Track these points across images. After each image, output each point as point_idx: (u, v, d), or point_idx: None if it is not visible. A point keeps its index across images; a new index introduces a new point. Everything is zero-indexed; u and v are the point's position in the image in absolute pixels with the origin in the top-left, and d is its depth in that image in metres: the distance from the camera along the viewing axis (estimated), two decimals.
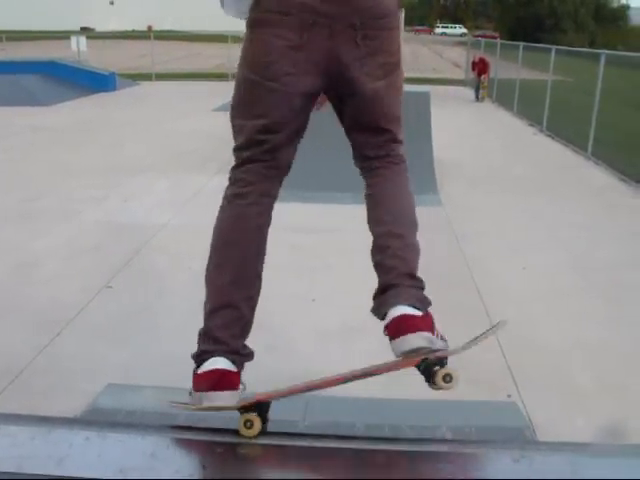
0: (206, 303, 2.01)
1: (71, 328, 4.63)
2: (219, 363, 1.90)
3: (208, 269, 2.02)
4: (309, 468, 1.61)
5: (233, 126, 2.07)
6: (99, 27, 60.74)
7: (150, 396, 3.65)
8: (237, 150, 2.07)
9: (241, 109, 2.03)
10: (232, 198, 2.06)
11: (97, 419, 3.16)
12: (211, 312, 1.99)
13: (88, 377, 3.95)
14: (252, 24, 1.92)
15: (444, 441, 3.00)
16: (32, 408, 3.31)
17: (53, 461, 1.55)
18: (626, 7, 67.08)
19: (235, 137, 2.07)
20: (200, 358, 1.97)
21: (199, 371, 1.94)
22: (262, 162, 2.02)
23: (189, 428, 1.85)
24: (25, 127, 13.18)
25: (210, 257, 2.03)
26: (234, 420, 2.80)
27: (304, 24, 1.81)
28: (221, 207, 2.11)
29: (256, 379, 4.01)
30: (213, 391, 1.84)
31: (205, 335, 1.99)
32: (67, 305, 4.96)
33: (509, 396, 3.90)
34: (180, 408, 1.98)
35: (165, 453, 1.62)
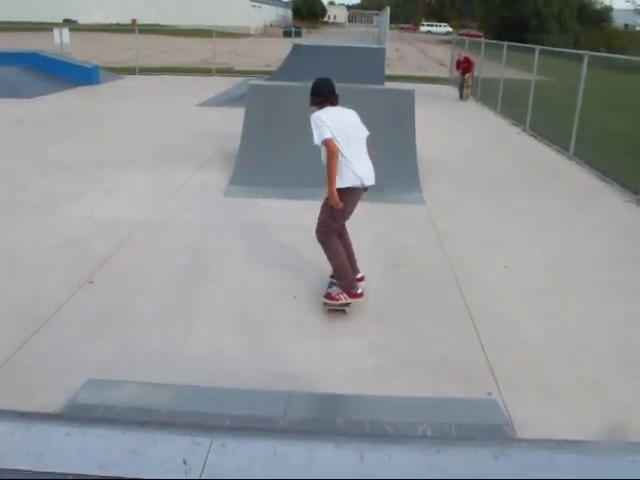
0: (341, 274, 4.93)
1: (51, 323, 4.60)
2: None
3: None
4: (290, 464, 1.61)
5: None
6: (82, 20, 60.12)
7: (130, 391, 3.64)
8: None
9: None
10: None
11: (77, 414, 3.14)
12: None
13: (68, 372, 3.93)
14: None
15: (424, 438, 3.02)
16: (11, 404, 3.30)
17: (33, 456, 1.54)
18: (609, 9, 67.60)
19: None
20: (354, 286, 4.95)
21: (358, 292, 4.97)
22: None
23: (170, 424, 1.85)
24: (6, 119, 13.04)
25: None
26: (214, 416, 2.79)
27: None
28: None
29: (240, 372, 4.02)
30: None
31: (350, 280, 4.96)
32: (47, 300, 4.93)
33: (489, 394, 3.93)
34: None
35: (146, 449, 1.61)
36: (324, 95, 4.78)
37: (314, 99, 4.81)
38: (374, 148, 4.91)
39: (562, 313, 5.13)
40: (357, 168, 4.64)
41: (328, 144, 4.54)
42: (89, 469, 1.52)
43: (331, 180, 4.58)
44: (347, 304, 4.92)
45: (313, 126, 4.61)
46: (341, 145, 4.58)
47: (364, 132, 4.87)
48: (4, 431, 1.63)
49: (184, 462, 1.55)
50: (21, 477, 1.50)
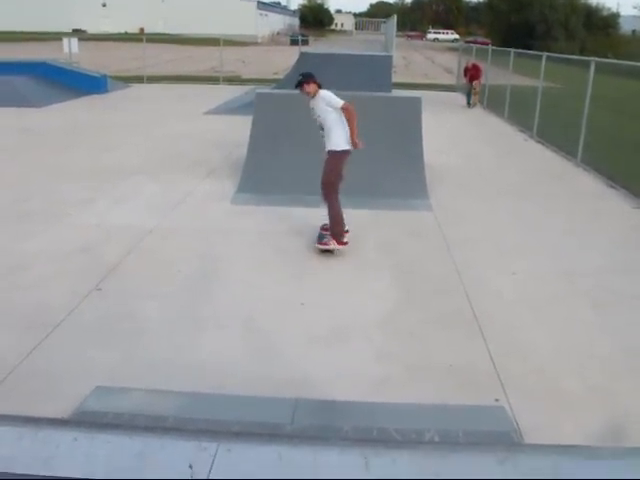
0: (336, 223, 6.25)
1: (59, 331, 4.62)
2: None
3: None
4: (295, 469, 1.62)
5: None
6: (91, 29, 60.57)
7: (138, 398, 3.65)
8: None
9: None
10: None
11: (85, 420, 3.16)
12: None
13: (76, 380, 3.95)
14: None
15: (431, 443, 3.02)
16: (19, 412, 3.31)
17: (40, 461, 1.55)
18: (617, 15, 67.47)
19: None
20: (342, 236, 6.29)
21: (344, 240, 6.31)
22: None
23: (176, 429, 1.86)
24: (15, 128, 13.14)
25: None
26: (221, 422, 2.80)
27: None
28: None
29: (247, 379, 4.03)
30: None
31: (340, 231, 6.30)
32: (56, 308, 4.95)
33: (497, 400, 3.92)
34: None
35: (152, 453, 1.63)
36: (318, 81, 6.29)
37: (313, 85, 6.21)
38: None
39: (570, 320, 5.12)
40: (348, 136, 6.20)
41: (348, 108, 6.03)
42: (96, 473, 1.53)
43: (354, 130, 6.09)
44: (335, 249, 6.36)
45: (330, 97, 6.10)
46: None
47: None
48: (13, 436, 1.65)
49: (190, 467, 1.56)
50: None
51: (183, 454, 1.62)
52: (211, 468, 1.57)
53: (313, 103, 6.28)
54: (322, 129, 6.28)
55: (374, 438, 2.98)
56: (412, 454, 1.71)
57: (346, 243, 6.34)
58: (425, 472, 1.58)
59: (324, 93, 6.15)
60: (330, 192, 6.30)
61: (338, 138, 6.15)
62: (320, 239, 6.39)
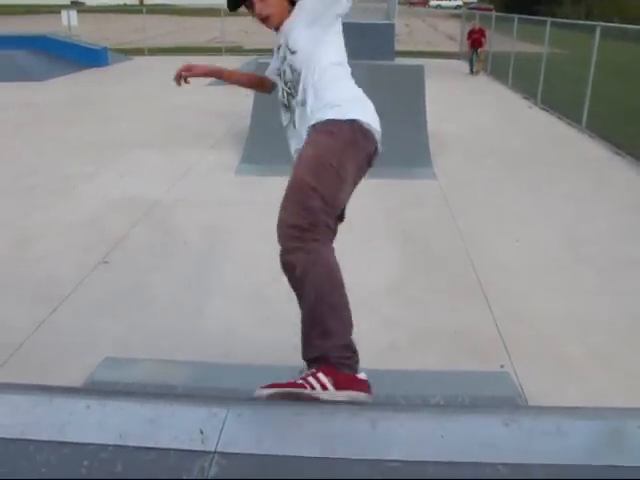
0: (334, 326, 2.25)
1: (68, 303, 4.67)
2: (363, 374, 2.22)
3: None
4: (304, 432, 1.65)
5: None
6: (90, 1, 59.94)
7: (146, 368, 3.70)
8: None
9: None
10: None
11: (97, 388, 3.21)
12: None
13: (86, 351, 4.00)
14: None
15: (436, 406, 3.06)
16: (31, 381, 3.36)
17: (55, 428, 1.59)
18: None
19: None
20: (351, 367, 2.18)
21: (360, 377, 2.20)
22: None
23: (186, 396, 1.89)
24: (17, 103, 13.09)
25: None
26: (230, 391, 2.84)
27: None
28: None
29: (255, 348, 4.07)
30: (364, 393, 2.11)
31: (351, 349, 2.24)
32: (64, 280, 4.99)
33: (502, 366, 3.96)
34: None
35: (164, 419, 1.66)
36: None
37: None
38: None
39: (575, 286, 5.14)
40: None
41: None
42: (109, 439, 1.57)
43: None
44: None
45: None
46: None
47: None
48: (27, 404, 1.68)
49: (201, 432, 1.59)
50: (44, 447, 1.55)
51: (194, 420, 1.65)
52: (221, 432, 1.60)
53: (283, 38, 2.54)
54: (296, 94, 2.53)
55: (381, 402, 3.02)
56: (419, 417, 1.74)
57: (367, 385, 2.26)
58: (432, 434, 1.61)
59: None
60: (307, 235, 2.23)
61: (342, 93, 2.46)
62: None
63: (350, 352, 2.23)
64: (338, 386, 2.03)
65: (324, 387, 2.01)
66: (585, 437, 1.61)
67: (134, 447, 1.56)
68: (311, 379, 2.04)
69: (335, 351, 2.15)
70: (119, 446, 1.54)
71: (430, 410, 2.00)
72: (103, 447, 1.55)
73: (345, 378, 2.09)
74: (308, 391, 2.00)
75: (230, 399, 1.79)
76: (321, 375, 2.05)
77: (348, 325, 2.29)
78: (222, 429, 1.61)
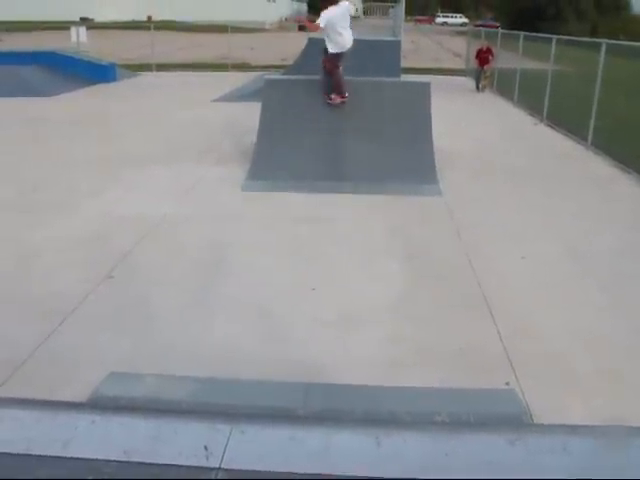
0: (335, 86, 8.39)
1: (73, 318, 4.67)
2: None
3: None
4: (307, 450, 1.64)
5: None
6: (98, 17, 60.39)
7: (151, 384, 3.69)
8: None
9: None
10: None
11: (101, 404, 3.20)
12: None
13: (90, 366, 3.99)
14: None
15: (441, 424, 3.04)
16: (36, 396, 3.36)
17: (59, 443, 1.59)
18: None
19: None
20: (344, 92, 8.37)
21: (345, 94, 8.40)
22: None
23: (191, 412, 1.89)
24: (25, 118, 13.18)
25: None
26: (234, 407, 2.84)
27: None
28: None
29: (259, 364, 4.06)
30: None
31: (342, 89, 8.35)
32: (69, 295, 5.00)
33: (507, 383, 3.94)
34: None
35: (168, 435, 1.66)
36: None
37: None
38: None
39: (581, 303, 5.12)
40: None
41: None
42: (113, 454, 1.56)
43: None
44: (342, 102, 8.40)
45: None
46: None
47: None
48: (32, 419, 1.69)
49: (205, 448, 1.59)
50: (49, 462, 1.55)
51: (198, 435, 1.65)
52: (225, 449, 1.60)
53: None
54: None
55: (385, 419, 3.01)
56: (423, 434, 1.73)
57: (346, 97, 8.38)
58: (436, 452, 1.60)
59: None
60: (330, 71, 8.32)
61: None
62: (328, 100, 8.42)
63: (343, 92, 8.34)
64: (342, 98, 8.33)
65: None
66: (591, 455, 1.60)
67: (138, 462, 1.55)
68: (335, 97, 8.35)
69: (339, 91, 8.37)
70: (123, 462, 1.54)
71: (435, 428, 1.98)
72: (107, 463, 1.55)
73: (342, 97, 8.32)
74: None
75: (234, 415, 1.78)
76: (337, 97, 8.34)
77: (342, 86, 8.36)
78: (227, 445, 1.61)
